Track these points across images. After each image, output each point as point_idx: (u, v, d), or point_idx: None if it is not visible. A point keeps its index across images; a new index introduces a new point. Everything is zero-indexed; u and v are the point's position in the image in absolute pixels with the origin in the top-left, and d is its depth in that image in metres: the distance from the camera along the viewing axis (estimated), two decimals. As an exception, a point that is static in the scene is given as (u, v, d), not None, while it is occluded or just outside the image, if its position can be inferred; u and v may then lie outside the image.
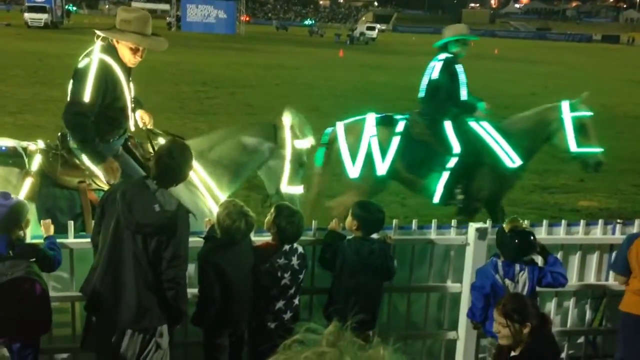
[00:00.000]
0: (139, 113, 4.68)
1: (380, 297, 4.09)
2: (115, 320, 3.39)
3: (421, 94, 6.33)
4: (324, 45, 49.13)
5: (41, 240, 3.67)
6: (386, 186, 6.42)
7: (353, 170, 6.04)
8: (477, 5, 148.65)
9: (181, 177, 3.52)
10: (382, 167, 6.00)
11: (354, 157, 6.03)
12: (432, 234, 4.41)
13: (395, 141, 5.99)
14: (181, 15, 63.12)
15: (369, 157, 6.00)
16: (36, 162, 4.17)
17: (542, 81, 28.11)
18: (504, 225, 4.00)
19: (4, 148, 4.16)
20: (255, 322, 3.82)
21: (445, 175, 5.99)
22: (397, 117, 6.21)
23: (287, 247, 3.77)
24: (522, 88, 25.03)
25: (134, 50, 4.26)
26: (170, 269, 3.33)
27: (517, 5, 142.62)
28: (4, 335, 3.46)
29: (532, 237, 3.97)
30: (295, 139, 4.83)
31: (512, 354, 3.39)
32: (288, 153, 4.81)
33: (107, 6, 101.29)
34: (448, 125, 6.02)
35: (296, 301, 3.87)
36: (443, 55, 6.21)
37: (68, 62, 4.39)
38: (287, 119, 4.87)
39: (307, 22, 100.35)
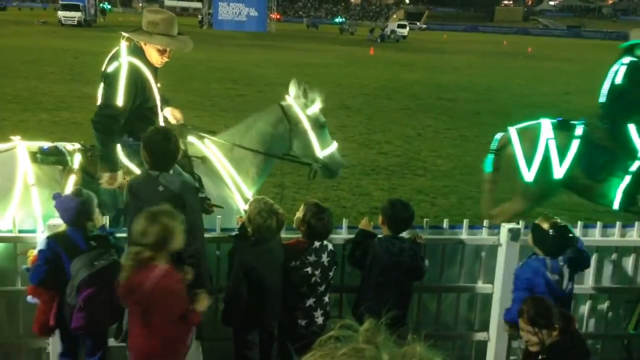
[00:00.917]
0: (169, 110, 4.76)
1: (410, 296, 4.06)
2: None
3: (602, 99, 6.10)
4: (354, 43, 49.05)
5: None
6: (556, 192, 6.28)
7: (529, 175, 5.93)
8: (511, 2, 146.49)
9: (171, 155, 3.56)
10: (559, 171, 5.87)
11: (529, 161, 5.91)
12: (464, 234, 4.37)
13: (575, 145, 5.83)
14: (213, 13, 63.71)
15: (545, 160, 5.86)
16: (77, 161, 4.28)
17: (576, 80, 27.61)
18: (540, 223, 3.96)
19: (45, 147, 4.29)
20: (286, 320, 3.83)
21: (627, 180, 5.81)
22: (573, 122, 6.04)
23: (317, 244, 3.77)
24: (556, 87, 24.64)
25: (161, 52, 4.37)
26: (189, 245, 3.34)
27: (551, 3, 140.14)
28: (99, 324, 3.55)
29: (571, 232, 3.99)
30: (306, 109, 4.89)
31: (540, 357, 3.35)
32: (306, 124, 4.85)
33: (140, 4, 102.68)
34: (632, 129, 5.85)
35: (326, 299, 3.88)
36: (627, 59, 5.98)
37: (102, 60, 4.47)
38: (291, 91, 4.98)
39: (338, 19, 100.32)
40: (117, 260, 3.51)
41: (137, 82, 4.24)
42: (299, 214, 3.80)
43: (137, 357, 3.29)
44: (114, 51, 4.35)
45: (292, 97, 4.96)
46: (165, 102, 4.77)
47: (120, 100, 4.18)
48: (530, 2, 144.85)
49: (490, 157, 6.19)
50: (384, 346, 1.08)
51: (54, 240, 3.47)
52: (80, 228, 3.51)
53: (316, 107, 4.96)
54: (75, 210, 3.49)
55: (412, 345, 1.10)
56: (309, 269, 3.73)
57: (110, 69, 4.24)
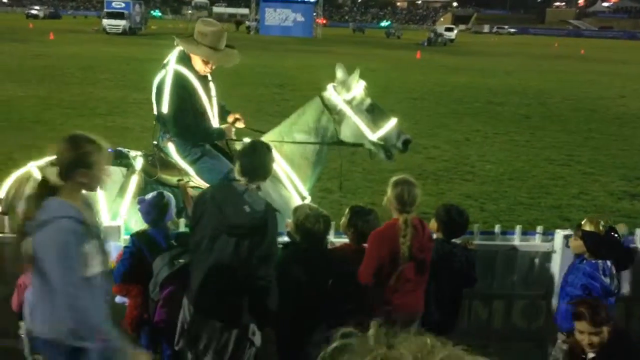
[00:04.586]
0: (234, 116, 4.89)
1: (458, 301, 3.97)
2: (210, 319, 3.43)
3: None
4: (401, 47, 48.77)
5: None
6: None
7: None
8: (563, 4, 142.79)
9: (265, 172, 3.51)
10: None
11: None
12: (516, 240, 4.25)
13: None
14: (260, 19, 64.49)
15: None
16: (139, 164, 4.52)
17: (632, 83, 26.69)
18: (589, 227, 3.83)
19: (110, 150, 4.45)
20: (335, 324, 3.77)
21: None
22: None
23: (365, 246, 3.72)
24: (610, 90, 23.88)
25: (205, 62, 4.54)
26: (262, 266, 3.32)
27: (605, 4, 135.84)
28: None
29: (617, 231, 3.94)
30: (344, 94, 4.64)
31: (590, 355, 3.26)
32: (347, 111, 4.65)
33: (189, 12, 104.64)
34: None
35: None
36: None
37: (154, 66, 4.62)
38: (338, 75, 4.72)
39: (384, 23, 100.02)
40: None
41: (182, 89, 4.42)
42: (345, 219, 3.78)
43: None
44: (167, 59, 4.54)
45: (333, 84, 4.76)
46: (223, 110, 4.89)
47: (165, 108, 4.40)
48: (583, 3, 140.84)
49: None
50: (403, 346, 1.03)
51: (136, 237, 3.72)
52: (160, 228, 3.76)
53: (355, 90, 4.64)
54: (155, 213, 3.76)
55: (421, 337, 1.04)
56: (357, 273, 3.68)
57: (157, 79, 4.51)
